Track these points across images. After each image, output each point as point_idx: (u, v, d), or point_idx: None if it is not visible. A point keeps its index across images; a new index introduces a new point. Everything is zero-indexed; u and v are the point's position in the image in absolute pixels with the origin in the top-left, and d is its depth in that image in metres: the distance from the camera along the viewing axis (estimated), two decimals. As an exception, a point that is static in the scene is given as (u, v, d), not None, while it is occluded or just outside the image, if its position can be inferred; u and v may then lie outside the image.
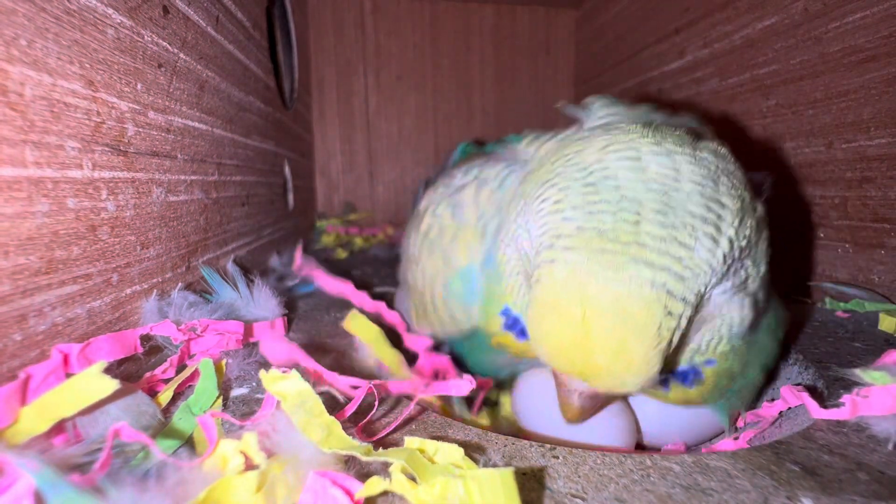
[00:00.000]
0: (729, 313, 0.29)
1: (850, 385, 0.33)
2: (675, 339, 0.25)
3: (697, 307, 0.26)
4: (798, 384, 0.37)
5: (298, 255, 0.43)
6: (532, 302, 0.27)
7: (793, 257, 0.57)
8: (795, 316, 0.49)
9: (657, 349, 0.24)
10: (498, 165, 0.39)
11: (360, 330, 0.34)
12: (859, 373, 0.30)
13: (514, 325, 0.33)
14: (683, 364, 0.30)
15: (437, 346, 0.41)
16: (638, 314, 0.24)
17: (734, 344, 0.30)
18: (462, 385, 0.27)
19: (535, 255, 0.27)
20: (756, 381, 0.34)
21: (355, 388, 0.28)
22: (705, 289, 0.26)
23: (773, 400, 0.34)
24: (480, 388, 0.38)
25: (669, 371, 0.30)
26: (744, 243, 0.27)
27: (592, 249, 0.24)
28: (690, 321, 0.26)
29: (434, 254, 0.40)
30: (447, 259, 0.39)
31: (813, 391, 0.34)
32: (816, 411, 0.29)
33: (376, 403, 0.28)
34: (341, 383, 0.28)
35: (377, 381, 0.28)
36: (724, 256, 0.26)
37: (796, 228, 0.56)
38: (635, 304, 0.24)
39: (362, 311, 0.39)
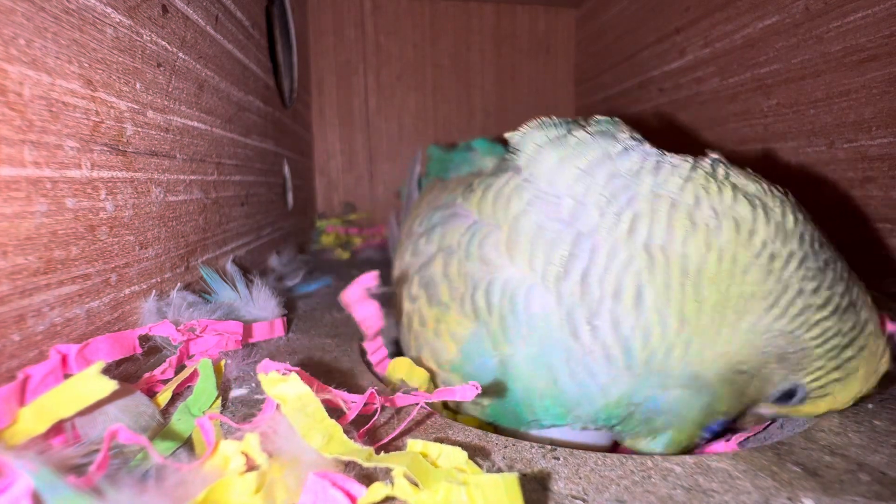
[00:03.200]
0: None
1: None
2: None
3: None
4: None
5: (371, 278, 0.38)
6: None
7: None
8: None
9: None
10: (459, 227, 0.36)
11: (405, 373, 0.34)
12: None
13: None
14: None
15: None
16: None
17: None
18: (467, 391, 0.26)
19: None
20: None
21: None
22: None
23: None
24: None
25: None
26: None
27: None
28: None
29: (423, 351, 0.36)
30: (437, 356, 0.35)
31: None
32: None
33: (378, 409, 0.28)
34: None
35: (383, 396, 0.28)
36: None
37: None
38: None
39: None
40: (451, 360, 0.34)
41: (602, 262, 0.29)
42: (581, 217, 0.30)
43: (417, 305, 0.37)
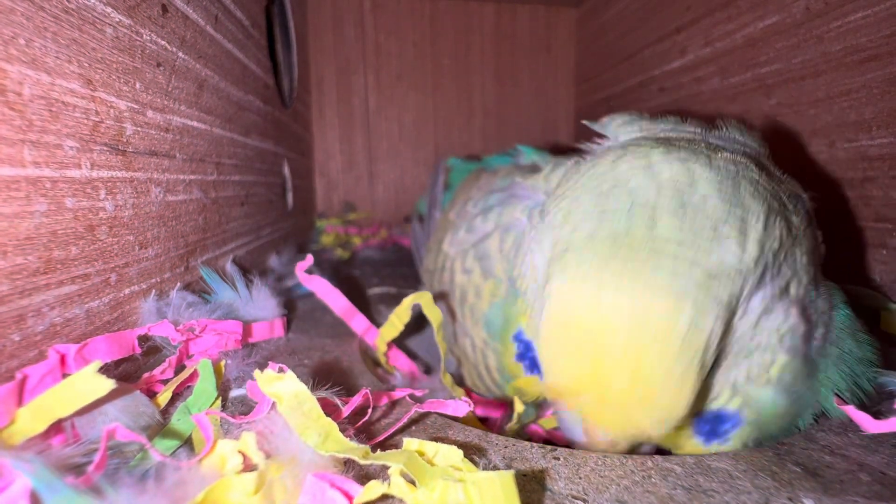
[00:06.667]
0: (774, 325, 0.24)
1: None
2: (708, 362, 0.21)
3: (729, 322, 0.22)
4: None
5: (308, 261, 0.40)
6: (542, 323, 0.24)
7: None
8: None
9: (685, 372, 0.21)
10: (518, 206, 0.37)
11: (430, 312, 0.34)
12: None
13: (525, 354, 0.30)
14: (717, 406, 0.25)
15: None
16: (658, 326, 0.20)
17: (790, 360, 0.24)
18: (459, 406, 0.26)
19: (546, 268, 0.25)
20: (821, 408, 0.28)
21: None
22: (737, 297, 0.22)
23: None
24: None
25: (697, 414, 0.25)
26: (776, 245, 0.23)
27: (604, 256, 0.22)
28: (724, 340, 0.22)
29: (478, 324, 0.37)
30: (490, 327, 0.35)
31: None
32: (870, 424, 0.26)
33: (371, 408, 0.28)
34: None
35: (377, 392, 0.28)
36: (755, 260, 0.22)
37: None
38: (655, 315, 0.20)
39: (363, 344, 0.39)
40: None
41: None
42: None
43: (471, 277, 0.39)
